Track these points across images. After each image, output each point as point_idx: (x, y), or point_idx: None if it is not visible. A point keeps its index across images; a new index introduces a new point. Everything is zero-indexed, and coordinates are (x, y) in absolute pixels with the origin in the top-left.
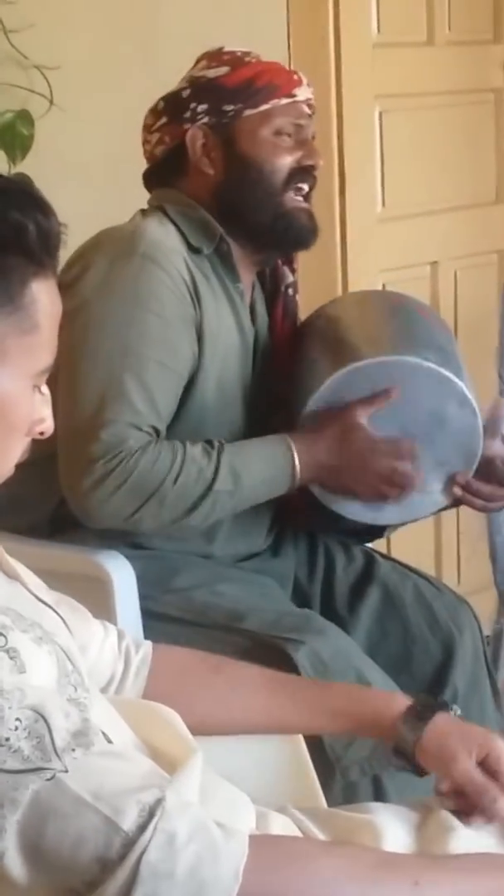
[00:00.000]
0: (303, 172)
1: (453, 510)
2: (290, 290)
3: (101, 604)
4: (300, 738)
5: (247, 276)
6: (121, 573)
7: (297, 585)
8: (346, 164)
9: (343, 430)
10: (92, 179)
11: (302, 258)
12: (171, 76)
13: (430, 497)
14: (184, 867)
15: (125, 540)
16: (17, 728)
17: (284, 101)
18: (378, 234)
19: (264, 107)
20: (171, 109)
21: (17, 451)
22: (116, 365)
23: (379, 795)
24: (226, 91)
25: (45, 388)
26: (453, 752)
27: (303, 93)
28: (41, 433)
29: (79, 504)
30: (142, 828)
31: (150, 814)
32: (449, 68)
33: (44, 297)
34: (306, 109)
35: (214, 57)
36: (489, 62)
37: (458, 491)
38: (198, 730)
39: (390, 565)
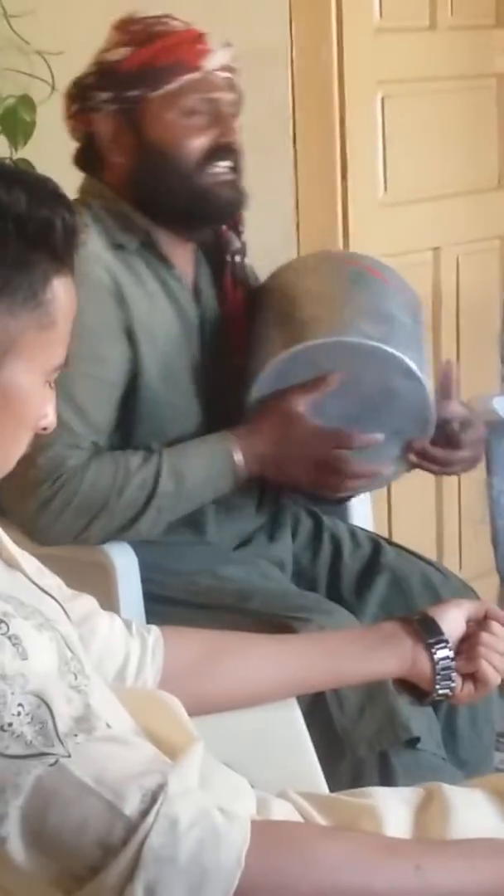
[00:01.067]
0: (221, 151)
1: (455, 495)
2: (238, 257)
3: (104, 590)
4: (301, 721)
5: (183, 258)
6: (124, 559)
7: (301, 570)
8: (348, 150)
9: (282, 421)
10: None
11: (303, 243)
12: None
13: (390, 465)
14: (186, 852)
15: None
16: (19, 713)
17: (191, 76)
18: (380, 220)
19: (170, 87)
20: (78, 96)
21: (23, 444)
22: None
23: (385, 773)
24: (127, 76)
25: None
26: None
27: (214, 61)
28: (44, 428)
29: (27, 527)
30: (144, 813)
31: (153, 799)
32: (451, 53)
33: (62, 294)
34: (222, 77)
35: (122, 29)
36: (491, 47)
37: (413, 458)
38: (218, 704)
39: (396, 552)
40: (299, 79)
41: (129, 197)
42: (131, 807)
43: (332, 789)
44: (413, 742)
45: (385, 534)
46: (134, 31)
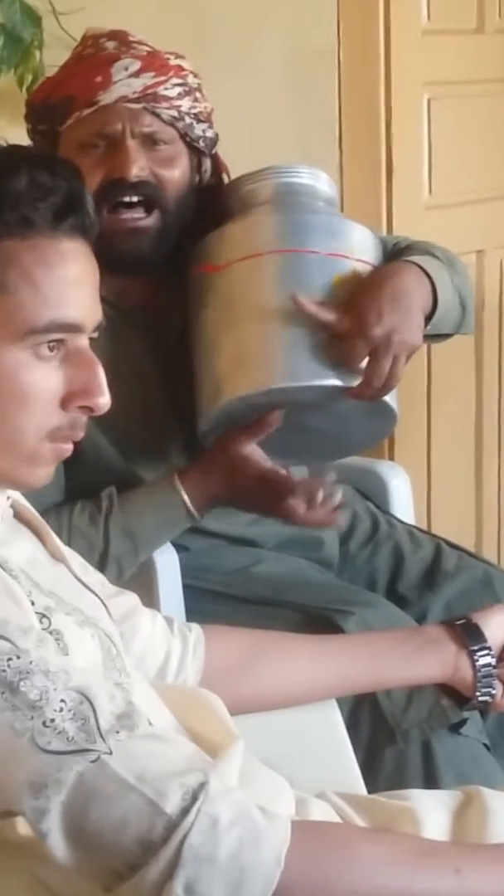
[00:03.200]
0: (118, 186)
1: (496, 487)
2: None
3: (144, 586)
4: (340, 721)
5: (133, 291)
6: (164, 556)
7: (357, 569)
8: (394, 151)
9: (230, 465)
10: None
11: None
12: (219, 62)
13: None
14: (226, 851)
15: None
16: (62, 709)
17: (86, 111)
18: (425, 222)
19: (69, 121)
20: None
21: (37, 424)
22: None
23: (428, 762)
24: (35, 113)
25: (78, 353)
26: None
27: (112, 94)
28: (90, 409)
29: None
30: (185, 811)
31: (194, 797)
32: (498, 56)
33: (21, 257)
34: (124, 107)
35: (78, 45)
36: None
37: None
38: (258, 704)
39: (458, 554)
40: (346, 80)
41: None
42: (172, 805)
43: (375, 779)
44: (459, 725)
45: (424, 523)
46: (72, 55)
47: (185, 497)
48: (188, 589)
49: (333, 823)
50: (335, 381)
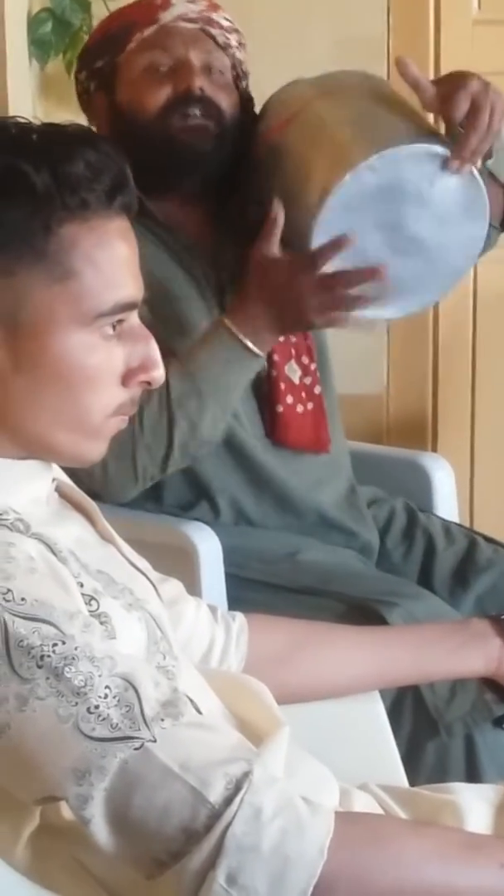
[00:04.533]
0: (183, 100)
1: None
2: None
3: (186, 574)
4: (383, 713)
5: (190, 226)
6: (207, 544)
7: (393, 566)
8: None
9: (261, 273)
10: None
11: None
12: (267, 51)
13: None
14: (269, 841)
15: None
16: (106, 696)
17: (148, 31)
18: None
19: (130, 46)
20: (77, 87)
21: (98, 401)
22: None
23: (471, 755)
24: (93, 50)
25: (131, 328)
26: None
27: (171, 13)
28: (148, 383)
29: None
30: (228, 800)
31: (237, 787)
32: None
33: (82, 240)
34: (184, 27)
35: None
36: None
37: (456, 165)
38: (301, 694)
39: (493, 548)
40: (396, 71)
41: None
42: (216, 794)
43: (417, 772)
44: (502, 719)
45: (466, 518)
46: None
47: (233, 327)
48: (229, 577)
49: (377, 815)
50: (436, 146)
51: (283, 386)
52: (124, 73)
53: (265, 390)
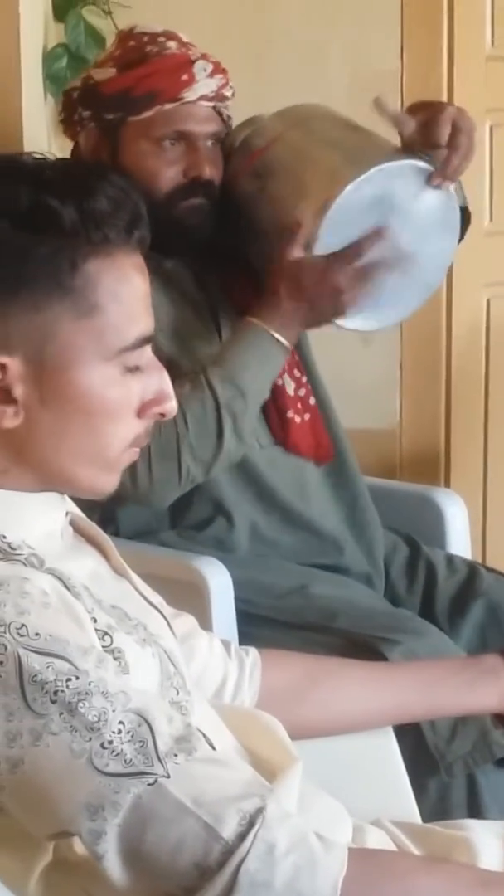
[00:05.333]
0: (191, 186)
1: None
2: None
3: (197, 608)
4: (396, 749)
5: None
6: (217, 579)
7: (396, 597)
8: None
9: (288, 273)
10: None
11: None
12: (282, 85)
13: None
14: (282, 878)
15: (212, 543)
16: (120, 731)
17: (168, 106)
18: (484, 248)
19: (147, 114)
20: (66, 107)
21: (118, 435)
22: None
23: (473, 796)
24: (106, 99)
25: (147, 362)
26: None
27: (195, 92)
28: (161, 415)
29: (134, 499)
30: (242, 836)
31: (251, 823)
32: None
33: (104, 276)
34: (202, 107)
35: (120, 42)
36: None
37: (439, 181)
38: (313, 730)
39: (494, 577)
40: (409, 104)
41: None
42: (229, 830)
43: (419, 808)
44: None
45: (479, 552)
46: (127, 49)
47: (266, 326)
48: (238, 613)
49: (391, 852)
50: (423, 163)
51: (285, 396)
52: (133, 135)
53: (271, 399)
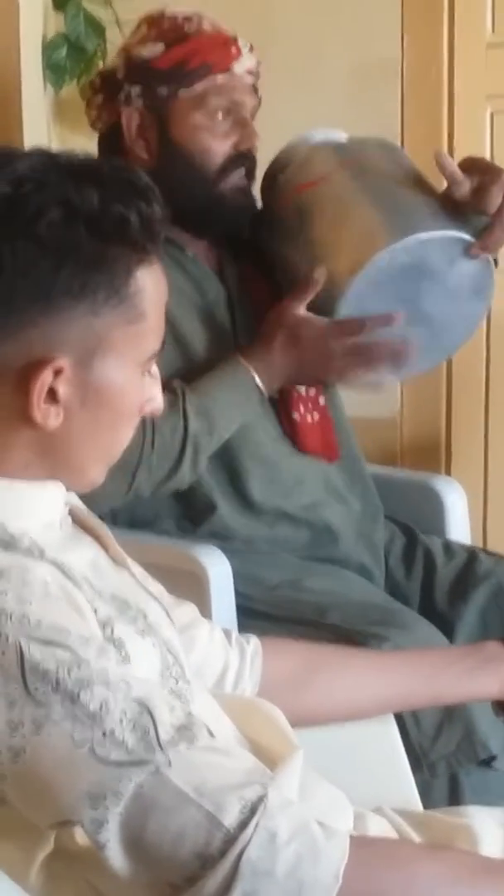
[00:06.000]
0: (241, 157)
1: None
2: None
3: (196, 597)
4: (397, 737)
5: (199, 245)
6: (217, 568)
7: (395, 586)
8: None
9: (290, 330)
10: None
11: None
12: (282, 74)
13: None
14: (284, 866)
15: (212, 533)
16: (121, 720)
17: (220, 78)
18: None
19: (199, 86)
20: (106, 88)
21: (126, 434)
22: None
23: (454, 795)
24: (159, 73)
25: (154, 369)
26: None
27: (242, 65)
28: (152, 413)
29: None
30: (243, 825)
31: (252, 811)
32: None
33: (149, 284)
34: (247, 80)
35: (154, 25)
36: None
37: (477, 252)
38: (314, 718)
39: (494, 560)
40: (409, 92)
41: None
42: (230, 818)
43: None
44: (488, 761)
45: (479, 537)
46: (166, 29)
47: (252, 372)
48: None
49: (392, 840)
50: (465, 235)
51: (295, 395)
52: (185, 109)
53: (280, 400)
